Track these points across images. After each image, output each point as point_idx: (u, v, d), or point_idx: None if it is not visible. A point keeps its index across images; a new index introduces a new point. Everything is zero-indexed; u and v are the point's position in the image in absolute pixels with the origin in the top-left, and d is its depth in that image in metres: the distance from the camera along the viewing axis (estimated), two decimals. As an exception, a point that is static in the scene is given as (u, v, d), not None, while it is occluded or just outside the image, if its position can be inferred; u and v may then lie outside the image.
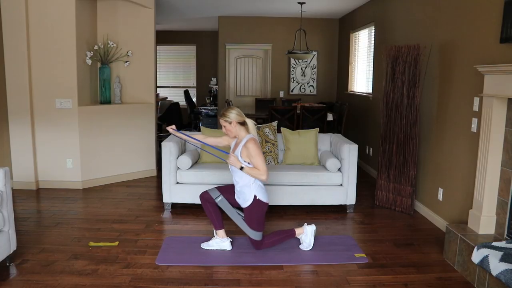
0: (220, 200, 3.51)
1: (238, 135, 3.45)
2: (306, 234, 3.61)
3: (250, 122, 3.45)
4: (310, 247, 3.60)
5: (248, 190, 3.40)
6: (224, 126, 3.42)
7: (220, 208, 3.58)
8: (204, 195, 3.56)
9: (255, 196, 3.39)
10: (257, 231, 3.47)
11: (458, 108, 3.94)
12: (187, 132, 4.23)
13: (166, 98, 10.62)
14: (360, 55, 7.42)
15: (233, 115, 3.37)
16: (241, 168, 3.33)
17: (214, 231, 3.65)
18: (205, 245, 3.61)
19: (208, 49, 11.41)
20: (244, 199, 3.43)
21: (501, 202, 3.27)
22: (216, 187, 3.60)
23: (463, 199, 3.81)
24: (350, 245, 3.74)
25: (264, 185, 4.47)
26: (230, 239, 3.62)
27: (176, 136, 3.63)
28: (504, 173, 3.24)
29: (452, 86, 4.05)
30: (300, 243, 3.66)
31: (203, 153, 4.79)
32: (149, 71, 5.99)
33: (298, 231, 3.63)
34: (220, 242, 3.58)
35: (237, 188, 3.48)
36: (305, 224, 3.68)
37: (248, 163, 3.36)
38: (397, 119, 4.62)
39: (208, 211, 3.57)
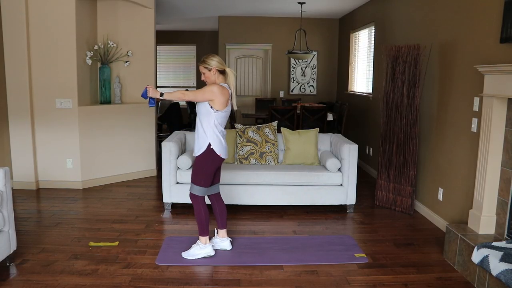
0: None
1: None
2: (203, 246, 3.40)
3: (230, 72, 3.31)
4: (187, 257, 3.39)
5: (204, 136, 3.27)
6: (203, 73, 3.30)
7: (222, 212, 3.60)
8: (210, 197, 3.59)
9: (209, 144, 3.25)
10: (197, 185, 3.33)
11: (458, 108, 3.94)
12: (186, 132, 4.20)
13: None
14: (360, 55, 7.42)
15: (214, 62, 3.25)
16: (161, 95, 3.21)
17: (216, 230, 3.65)
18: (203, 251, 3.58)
19: (208, 49, 11.38)
20: (199, 145, 3.29)
21: (501, 202, 3.27)
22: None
23: (463, 199, 3.81)
24: (350, 245, 3.74)
25: (266, 185, 4.50)
26: (230, 238, 3.62)
27: (157, 98, 3.29)
28: (504, 173, 3.24)
29: (452, 86, 4.05)
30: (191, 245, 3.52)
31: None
32: (149, 71, 5.99)
33: (207, 239, 3.42)
34: (219, 242, 3.57)
35: (196, 138, 3.36)
36: (228, 239, 3.55)
37: (212, 107, 3.22)
38: (397, 119, 4.62)
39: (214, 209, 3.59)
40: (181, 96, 3.28)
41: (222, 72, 3.32)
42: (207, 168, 3.33)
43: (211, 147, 3.27)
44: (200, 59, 3.33)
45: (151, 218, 4.36)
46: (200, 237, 3.43)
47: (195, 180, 3.35)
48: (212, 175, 3.39)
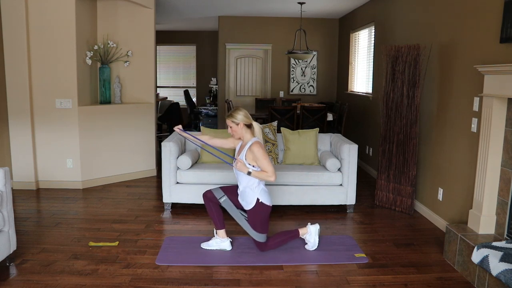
0: (224, 200, 3.52)
1: (243, 138, 3.45)
2: (310, 234, 3.61)
3: (256, 126, 3.45)
4: (316, 247, 3.61)
5: (251, 193, 3.40)
6: (231, 127, 3.42)
7: (222, 208, 3.58)
8: (208, 194, 3.57)
9: (257, 199, 3.39)
10: (261, 233, 3.47)
11: (458, 108, 3.94)
12: (191, 132, 4.21)
13: (166, 98, 10.62)
14: (360, 55, 7.42)
15: (241, 116, 3.37)
16: (249, 173, 3.33)
17: (215, 230, 3.65)
18: (205, 245, 3.61)
19: (208, 49, 11.41)
20: (247, 201, 3.43)
21: (501, 202, 3.27)
22: (220, 187, 3.60)
23: (463, 199, 3.81)
24: (350, 245, 3.74)
25: (266, 185, 4.50)
26: (230, 239, 3.62)
27: (183, 136, 3.64)
28: (504, 173, 3.24)
29: (452, 86, 4.05)
30: (306, 243, 3.66)
31: (203, 153, 4.79)
32: (149, 71, 5.99)
33: (302, 231, 3.63)
34: (220, 242, 3.58)
35: (240, 189, 3.49)
36: (309, 223, 3.68)
37: (253, 166, 3.36)
38: (397, 119, 4.62)
39: (210, 210, 3.56)
40: (266, 177, 3.34)
41: (249, 126, 3.41)
42: (262, 219, 3.46)
43: (260, 201, 3.39)
44: (228, 113, 3.44)
45: (151, 218, 4.36)
46: (301, 233, 3.64)
47: (257, 230, 3.48)
48: (268, 220, 3.52)
